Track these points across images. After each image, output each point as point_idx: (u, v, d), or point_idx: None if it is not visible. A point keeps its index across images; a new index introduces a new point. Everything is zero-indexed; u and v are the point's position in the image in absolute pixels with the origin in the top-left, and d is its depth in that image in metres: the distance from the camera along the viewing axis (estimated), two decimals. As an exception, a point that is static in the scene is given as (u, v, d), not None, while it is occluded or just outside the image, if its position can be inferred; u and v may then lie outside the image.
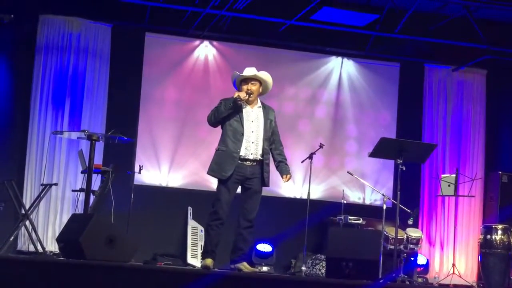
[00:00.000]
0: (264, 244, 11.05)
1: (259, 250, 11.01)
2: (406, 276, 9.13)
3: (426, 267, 11.40)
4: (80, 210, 9.22)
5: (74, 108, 10.94)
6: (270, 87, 7.71)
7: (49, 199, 10.62)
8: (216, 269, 7.42)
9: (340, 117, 12.00)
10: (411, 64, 12.24)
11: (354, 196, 11.80)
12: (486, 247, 9.62)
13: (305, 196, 10.50)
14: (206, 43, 11.58)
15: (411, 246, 10.17)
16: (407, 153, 8.48)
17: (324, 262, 10.08)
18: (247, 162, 7.42)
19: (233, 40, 11.61)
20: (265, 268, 10.85)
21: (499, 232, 9.56)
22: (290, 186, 11.64)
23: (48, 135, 10.56)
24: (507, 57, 11.56)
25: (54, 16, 10.99)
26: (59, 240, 7.38)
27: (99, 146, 10.39)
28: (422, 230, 11.40)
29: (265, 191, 11.14)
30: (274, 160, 7.67)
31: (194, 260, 10.56)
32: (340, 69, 12.04)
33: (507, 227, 9.62)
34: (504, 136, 12.34)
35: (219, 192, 7.43)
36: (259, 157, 7.45)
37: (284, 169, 7.63)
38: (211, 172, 7.51)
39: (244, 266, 7.40)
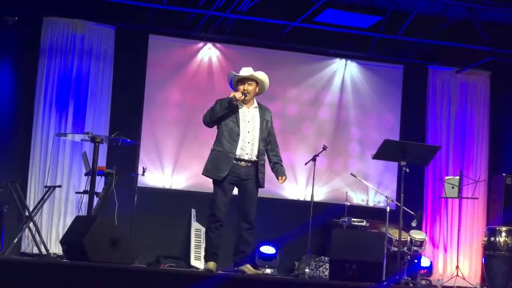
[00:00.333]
0: (268, 246, 11.05)
1: (262, 252, 11.00)
2: (409, 278, 9.14)
3: (429, 269, 11.38)
4: (83, 212, 9.22)
5: (78, 110, 10.95)
6: (267, 87, 7.63)
7: (53, 201, 10.63)
8: (219, 271, 7.41)
9: (343, 119, 12.00)
10: (415, 66, 12.24)
11: (357, 198, 11.80)
12: (490, 249, 9.62)
13: (308, 198, 10.50)
14: (209, 45, 11.58)
15: (415, 248, 10.15)
16: (411, 155, 8.47)
17: (327, 264, 10.08)
18: (242, 163, 7.38)
19: (236, 42, 11.61)
20: (268, 270, 10.84)
21: (503, 234, 9.57)
22: (294, 188, 11.64)
23: (52, 137, 10.57)
24: (511, 58, 11.55)
25: (58, 18, 11.01)
26: (63, 242, 7.38)
27: (103, 148, 10.39)
28: (425, 232, 11.39)
29: (269, 193, 11.26)
30: (270, 161, 7.62)
31: (198, 262, 10.56)
32: (344, 71, 12.04)
33: (511, 229, 9.63)
34: (508, 138, 12.32)
35: (215, 194, 7.40)
36: (254, 157, 7.41)
37: (279, 171, 7.59)
38: (206, 172, 7.48)
39: (248, 268, 7.39)
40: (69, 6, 10.98)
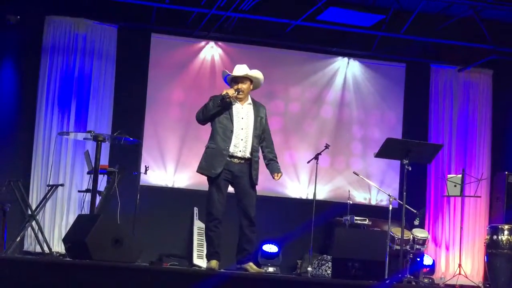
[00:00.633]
0: (270, 244, 11.05)
1: (265, 251, 11.01)
2: (412, 277, 9.13)
3: (432, 267, 11.39)
4: (86, 210, 9.24)
5: (80, 109, 10.96)
6: (262, 83, 7.56)
7: (56, 200, 10.64)
8: (221, 270, 7.41)
9: (345, 118, 12.00)
10: (417, 64, 12.23)
11: (360, 197, 11.80)
12: (492, 248, 9.61)
13: (311, 197, 10.50)
14: (212, 44, 11.59)
15: (417, 246, 10.15)
16: (413, 153, 8.46)
17: (330, 263, 10.08)
18: (235, 160, 7.33)
19: (239, 41, 11.61)
20: (271, 269, 10.85)
21: (506, 232, 9.55)
22: (296, 187, 11.65)
23: (54, 136, 10.58)
24: (513, 57, 11.56)
25: (60, 17, 11.01)
26: (66, 240, 7.40)
27: (105, 147, 10.40)
28: (428, 231, 11.38)
29: (271, 192, 11.28)
30: (265, 158, 7.57)
31: (200, 261, 10.57)
32: (346, 69, 12.04)
33: (513, 227, 9.62)
34: (511, 136, 12.30)
35: (210, 192, 7.36)
36: (247, 154, 7.36)
37: (275, 168, 7.54)
38: (200, 169, 7.44)
39: (250, 267, 7.37)
40: (72, 5, 10.99)
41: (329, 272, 10.09)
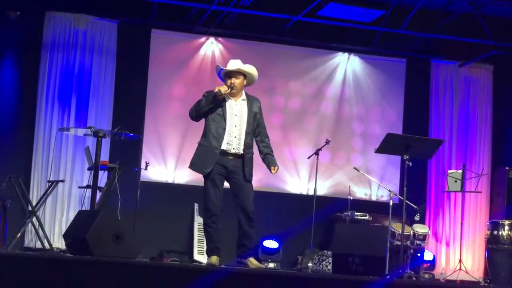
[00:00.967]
0: (271, 240, 11.06)
1: (265, 247, 11.01)
2: (412, 272, 9.15)
3: (432, 263, 11.40)
4: (86, 206, 9.24)
5: (80, 105, 10.96)
6: (256, 79, 7.47)
7: (56, 196, 10.65)
8: (222, 266, 7.41)
9: (346, 113, 12.00)
10: (418, 60, 12.23)
11: (360, 192, 11.80)
12: (493, 243, 9.61)
13: (311, 193, 10.51)
14: (212, 39, 11.58)
15: (418, 242, 10.15)
16: (414, 149, 8.46)
17: (330, 258, 10.08)
18: (229, 156, 7.29)
19: (239, 36, 11.61)
20: (271, 265, 10.86)
21: (506, 227, 9.56)
22: (296, 182, 11.65)
23: (55, 132, 10.58)
24: (514, 52, 11.56)
25: (60, 13, 11.01)
26: (66, 236, 7.39)
27: (106, 143, 10.40)
28: (428, 226, 11.38)
29: (271, 188, 11.30)
30: (260, 153, 7.50)
31: (201, 256, 10.57)
32: (346, 65, 12.04)
33: (514, 222, 9.62)
34: (511, 131, 12.31)
35: (206, 187, 7.33)
36: (241, 151, 7.31)
37: (271, 161, 7.46)
38: (192, 166, 7.42)
39: (251, 262, 7.36)
40: (72, 1, 10.99)
41: (329, 267, 10.10)
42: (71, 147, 10.88)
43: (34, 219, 9.36)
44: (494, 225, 9.67)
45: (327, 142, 9.98)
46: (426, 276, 10.67)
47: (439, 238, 11.92)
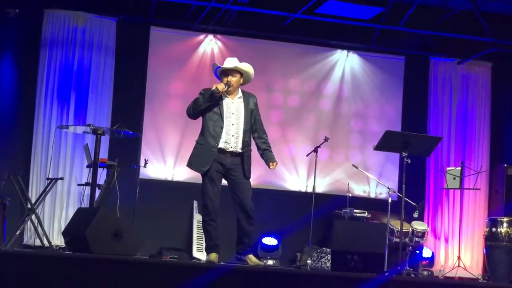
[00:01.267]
0: (270, 237, 11.07)
1: (264, 244, 11.02)
2: (411, 269, 9.14)
3: (431, 260, 11.40)
4: (85, 204, 9.24)
5: (80, 103, 10.96)
6: (252, 77, 7.49)
7: (55, 193, 10.65)
8: (221, 263, 7.42)
9: (344, 111, 12.00)
10: (416, 57, 12.23)
11: (359, 190, 11.80)
12: (491, 240, 9.63)
13: (310, 190, 10.52)
14: (210, 37, 11.58)
15: (417, 239, 10.16)
16: (412, 146, 8.47)
17: (329, 256, 10.09)
18: (227, 154, 7.31)
19: (238, 34, 11.60)
20: (270, 262, 10.86)
21: (505, 225, 9.58)
22: (295, 180, 11.65)
23: (54, 129, 10.58)
24: (513, 49, 11.56)
25: (59, 10, 11.00)
26: (65, 234, 7.40)
27: (105, 140, 10.40)
28: (427, 223, 11.41)
29: (270, 185, 11.30)
30: (258, 149, 7.52)
31: (200, 254, 10.58)
32: (345, 62, 12.04)
33: (512, 219, 9.63)
34: (510, 129, 12.32)
35: (204, 185, 7.35)
36: (239, 150, 7.33)
37: (270, 157, 7.47)
38: (189, 165, 7.45)
39: (250, 259, 7.38)
40: (70, -2, 11.00)
41: (328, 264, 10.10)
42: (70, 144, 10.88)
43: (33, 216, 9.36)
44: (493, 222, 9.69)
45: (326, 139, 9.99)
46: (425, 273, 10.68)
47: (438, 235, 11.93)
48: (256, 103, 7.52)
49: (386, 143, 8.64)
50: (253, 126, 7.46)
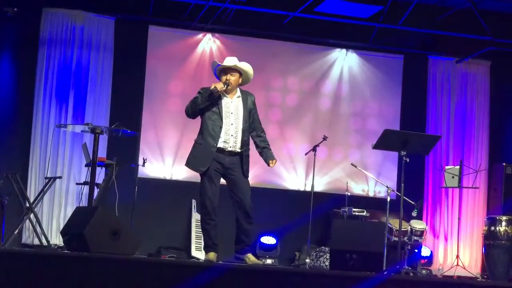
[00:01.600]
0: (268, 236, 11.06)
1: (263, 243, 11.01)
2: (410, 268, 9.16)
3: (430, 259, 11.40)
4: (84, 203, 9.23)
5: (78, 101, 10.95)
6: (251, 78, 7.46)
7: (53, 192, 10.64)
8: (220, 262, 7.42)
9: (343, 109, 11.99)
10: (415, 56, 12.23)
11: (358, 188, 11.80)
12: (490, 239, 9.63)
13: (309, 189, 10.52)
14: (209, 36, 11.57)
15: (415, 238, 10.16)
16: (411, 145, 8.47)
17: (328, 254, 10.09)
18: (226, 154, 7.29)
19: (236, 32, 11.60)
20: (269, 261, 10.86)
21: (503, 223, 9.58)
22: (293, 179, 11.64)
23: (52, 128, 10.58)
24: (511, 48, 11.54)
25: (57, 9, 10.99)
26: (64, 233, 7.39)
27: (103, 139, 10.40)
28: (426, 222, 11.41)
29: (269, 184, 11.30)
30: (257, 147, 7.50)
31: (198, 253, 10.57)
32: (344, 61, 12.03)
33: (511, 218, 9.63)
34: (508, 127, 12.32)
35: (202, 184, 7.34)
36: (237, 149, 7.32)
37: (269, 155, 7.46)
38: (188, 164, 7.44)
39: (249, 258, 7.37)
40: (69, -3, 10.99)
41: (327, 263, 10.10)
42: (69, 143, 10.87)
43: (31, 215, 9.36)
44: (492, 221, 9.69)
45: (325, 138, 9.99)
46: (424, 272, 10.68)
47: (437, 234, 11.93)
48: (254, 101, 7.50)
49: (384, 141, 8.64)
50: (251, 125, 7.45)
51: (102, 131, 8.39)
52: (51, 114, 10.86)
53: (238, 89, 7.45)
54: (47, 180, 9.59)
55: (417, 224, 10.29)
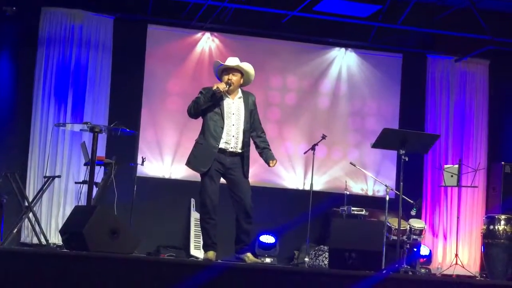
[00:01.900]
0: (267, 235, 11.06)
1: (262, 242, 11.02)
2: (409, 267, 9.16)
3: (429, 257, 11.40)
4: (83, 202, 9.23)
5: (77, 100, 10.95)
6: (252, 79, 7.49)
7: (52, 191, 10.63)
8: (219, 261, 7.42)
9: (342, 108, 11.99)
10: (414, 55, 12.22)
11: (357, 187, 11.80)
12: (489, 238, 9.63)
13: (307, 188, 10.52)
14: (208, 35, 11.56)
15: (414, 236, 10.16)
16: (410, 143, 8.47)
17: (327, 253, 10.09)
18: (227, 154, 7.30)
19: (235, 31, 11.59)
20: (268, 260, 10.86)
21: (502, 222, 9.58)
22: (292, 178, 11.64)
23: (51, 127, 10.57)
24: (510, 47, 11.55)
25: (56, 8, 10.99)
26: (62, 232, 7.39)
27: (102, 138, 10.39)
28: (425, 221, 11.41)
29: (268, 183, 11.30)
30: (257, 147, 7.51)
31: (197, 251, 10.58)
32: (342, 60, 12.03)
33: (510, 217, 9.63)
34: (507, 126, 12.32)
35: (202, 184, 7.34)
36: (238, 150, 7.33)
37: (269, 155, 7.48)
38: (188, 164, 7.45)
39: (248, 257, 7.37)
40: (68, -4, 10.99)
41: (326, 262, 10.10)
42: (68, 142, 10.86)
43: (30, 214, 9.36)
44: (490, 220, 9.69)
45: (324, 137, 9.99)
46: (423, 270, 10.68)
47: (436, 233, 11.93)
48: (255, 102, 7.52)
49: (383, 140, 8.64)
50: (252, 125, 7.46)
51: (101, 130, 8.39)
52: (50, 113, 10.85)
53: (239, 89, 7.46)
54: (46, 179, 9.59)
55: (416, 223, 10.29)
